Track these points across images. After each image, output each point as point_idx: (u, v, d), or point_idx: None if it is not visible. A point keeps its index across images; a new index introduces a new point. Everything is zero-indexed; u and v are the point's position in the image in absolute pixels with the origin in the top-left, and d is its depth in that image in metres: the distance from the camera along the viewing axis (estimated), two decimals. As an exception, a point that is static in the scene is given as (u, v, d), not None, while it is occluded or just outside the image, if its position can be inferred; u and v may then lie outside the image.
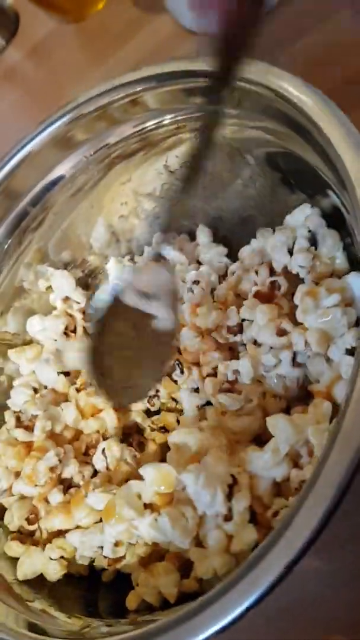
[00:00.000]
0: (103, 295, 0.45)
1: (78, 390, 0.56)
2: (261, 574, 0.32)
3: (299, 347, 0.46)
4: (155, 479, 0.44)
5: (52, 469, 0.50)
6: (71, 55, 0.92)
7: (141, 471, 0.45)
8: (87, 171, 0.57)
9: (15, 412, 0.55)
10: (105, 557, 0.46)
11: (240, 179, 0.54)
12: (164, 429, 0.55)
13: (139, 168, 0.58)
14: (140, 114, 0.53)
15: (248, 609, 0.32)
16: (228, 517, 0.42)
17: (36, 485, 0.49)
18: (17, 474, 0.51)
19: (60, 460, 0.50)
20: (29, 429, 0.54)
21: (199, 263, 0.59)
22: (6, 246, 0.57)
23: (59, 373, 0.57)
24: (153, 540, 0.43)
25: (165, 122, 0.54)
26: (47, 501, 0.50)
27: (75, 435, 0.54)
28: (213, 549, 0.42)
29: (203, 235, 0.59)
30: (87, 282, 0.65)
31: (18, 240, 0.58)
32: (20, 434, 0.53)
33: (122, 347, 0.45)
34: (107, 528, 0.44)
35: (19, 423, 0.54)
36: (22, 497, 0.52)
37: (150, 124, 0.54)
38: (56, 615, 0.44)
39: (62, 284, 0.59)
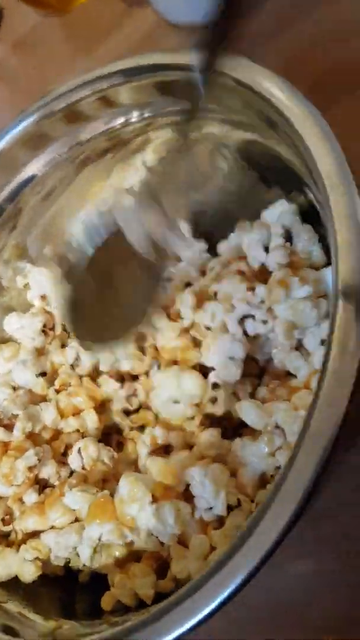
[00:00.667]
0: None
1: (57, 392, 0.56)
2: (229, 575, 0.32)
3: (258, 314, 0.46)
4: (161, 472, 0.44)
5: (30, 469, 0.49)
6: (56, 49, 0.91)
7: (148, 462, 0.45)
8: (60, 169, 0.57)
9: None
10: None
11: (220, 173, 0.53)
12: (143, 428, 0.54)
13: (115, 165, 0.57)
14: (111, 111, 0.53)
15: (217, 609, 0.32)
16: (221, 523, 0.42)
17: (12, 485, 0.48)
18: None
19: (39, 460, 0.50)
20: (9, 428, 0.53)
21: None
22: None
23: (37, 375, 0.57)
24: (148, 533, 0.43)
25: (135, 119, 0.53)
26: (21, 501, 0.49)
27: (53, 435, 0.53)
28: (194, 552, 0.42)
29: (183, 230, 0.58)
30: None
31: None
32: (0, 433, 0.52)
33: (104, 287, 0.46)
34: (93, 528, 0.44)
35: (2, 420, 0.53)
36: None
37: (121, 120, 0.53)
38: (32, 617, 0.44)
39: (40, 281, 0.59)
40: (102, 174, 0.58)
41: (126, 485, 0.43)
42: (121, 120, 0.53)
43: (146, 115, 0.52)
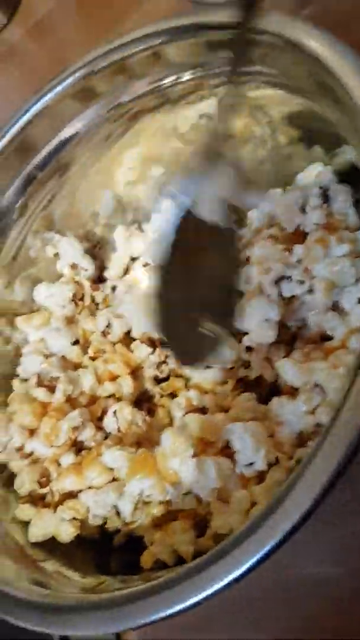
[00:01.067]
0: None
1: (92, 359, 0.56)
2: (271, 530, 0.31)
3: (295, 274, 0.46)
4: (201, 427, 0.44)
5: (74, 429, 0.49)
6: (73, 32, 0.91)
7: (187, 418, 0.45)
8: (99, 131, 0.57)
9: (32, 375, 0.54)
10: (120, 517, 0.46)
11: (253, 138, 0.54)
12: (173, 395, 0.54)
13: (148, 130, 0.57)
14: (157, 69, 0.52)
15: (258, 563, 0.31)
16: (261, 479, 0.42)
17: (52, 446, 0.48)
18: (31, 433, 0.50)
19: (82, 422, 0.50)
20: (50, 390, 0.53)
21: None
22: (16, 206, 0.57)
23: (72, 343, 0.57)
24: (188, 488, 0.43)
25: (183, 78, 0.53)
26: (58, 463, 0.49)
27: (90, 400, 0.54)
28: (235, 507, 0.42)
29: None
30: (93, 253, 0.64)
31: (25, 204, 0.57)
32: (42, 394, 0.52)
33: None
34: (134, 483, 0.44)
35: (40, 382, 0.53)
36: (33, 462, 0.51)
37: (167, 80, 0.53)
38: (69, 575, 0.44)
39: (69, 250, 0.59)
40: (133, 139, 0.58)
41: (168, 438, 0.43)
42: (168, 79, 0.53)
43: (194, 75, 0.52)
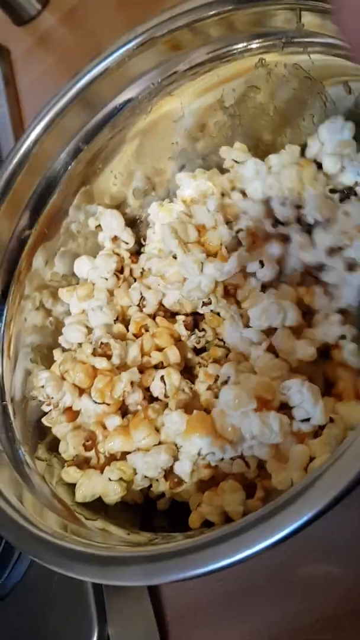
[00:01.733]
0: None
1: (136, 336, 0.56)
2: (320, 492, 0.31)
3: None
4: (259, 385, 0.44)
5: (132, 383, 0.50)
6: (107, 19, 0.91)
7: (241, 378, 0.45)
8: (150, 100, 0.57)
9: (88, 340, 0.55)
10: (174, 477, 0.47)
11: (306, 112, 0.54)
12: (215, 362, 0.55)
13: (192, 103, 0.57)
14: (215, 39, 0.52)
15: (309, 522, 0.31)
16: (318, 433, 0.42)
17: (103, 402, 0.49)
18: (81, 393, 0.51)
19: (133, 383, 0.51)
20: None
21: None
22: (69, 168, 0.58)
23: (114, 321, 0.57)
24: (248, 444, 0.43)
25: (239, 48, 0.52)
26: (103, 426, 0.50)
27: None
28: (294, 462, 0.42)
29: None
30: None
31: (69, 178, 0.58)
32: (97, 361, 0.52)
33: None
34: (192, 442, 0.44)
35: (95, 350, 0.53)
36: (76, 427, 0.52)
37: (224, 50, 0.53)
38: (116, 532, 0.44)
39: (112, 222, 0.59)
40: (177, 113, 0.58)
41: (229, 393, 0.43)
42: (225, 49, 0.53)
43: (251, 45, 0.52)
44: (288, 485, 0.42)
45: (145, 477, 0.47)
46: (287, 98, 0.54)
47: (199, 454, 0.44)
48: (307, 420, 0.43)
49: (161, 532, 0.45)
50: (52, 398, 0.49)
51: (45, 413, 0.53)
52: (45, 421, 0.52)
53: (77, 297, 0.57)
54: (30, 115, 0.92)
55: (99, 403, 0.48)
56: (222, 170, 0.60)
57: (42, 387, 0.51)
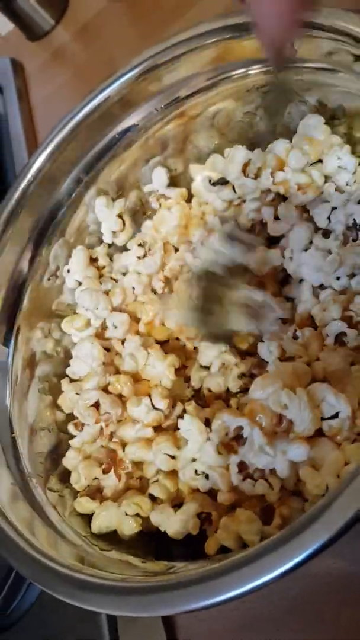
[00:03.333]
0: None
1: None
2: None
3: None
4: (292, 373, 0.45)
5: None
6: (121, 33, 0.91)
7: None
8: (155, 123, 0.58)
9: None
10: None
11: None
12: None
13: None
14: (216, 65, 0.54)
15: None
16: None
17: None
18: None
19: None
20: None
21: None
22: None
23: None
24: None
25: (250, 71, 0.54)
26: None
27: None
28: (328, 468, 0.41)
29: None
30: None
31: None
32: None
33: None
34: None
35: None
36: (86, 457, 0.52)
37: (233, 74, 0.54)
38: (132, 561, 0.44)
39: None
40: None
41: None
42: (234, 73, 0.54)
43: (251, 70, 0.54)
44: (324, 490, 0.41)
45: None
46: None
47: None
48: (336, 416, 0.42)
49: (177, 561, 0.44)
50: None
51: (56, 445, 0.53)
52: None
53: (74, 328, 0.57)
54: (43, 129, 0.92)
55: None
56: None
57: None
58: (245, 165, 0.56)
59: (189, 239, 0.59)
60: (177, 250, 0.60)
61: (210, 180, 0.58)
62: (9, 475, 0.47)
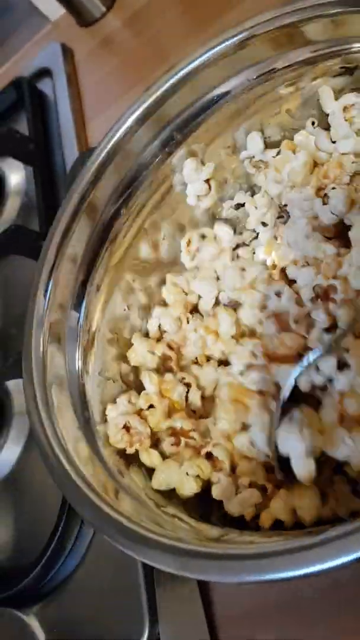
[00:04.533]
0: None
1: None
2: None
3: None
4: None
5: None
6: (172, 23, 0.91)
7: None
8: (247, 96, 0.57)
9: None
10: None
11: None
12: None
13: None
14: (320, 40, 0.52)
15: None
16: None
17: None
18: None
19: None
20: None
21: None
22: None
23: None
24: None
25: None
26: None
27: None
28: None
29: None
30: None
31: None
32: None
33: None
34: None
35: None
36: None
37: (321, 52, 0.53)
38: (188, 520, 0.44)
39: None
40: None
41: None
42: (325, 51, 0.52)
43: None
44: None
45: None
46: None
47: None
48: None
49: (228, 528, 0.44)
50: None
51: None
52: None
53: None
54: (91, 115, 0.92)
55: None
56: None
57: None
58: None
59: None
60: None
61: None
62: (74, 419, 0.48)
